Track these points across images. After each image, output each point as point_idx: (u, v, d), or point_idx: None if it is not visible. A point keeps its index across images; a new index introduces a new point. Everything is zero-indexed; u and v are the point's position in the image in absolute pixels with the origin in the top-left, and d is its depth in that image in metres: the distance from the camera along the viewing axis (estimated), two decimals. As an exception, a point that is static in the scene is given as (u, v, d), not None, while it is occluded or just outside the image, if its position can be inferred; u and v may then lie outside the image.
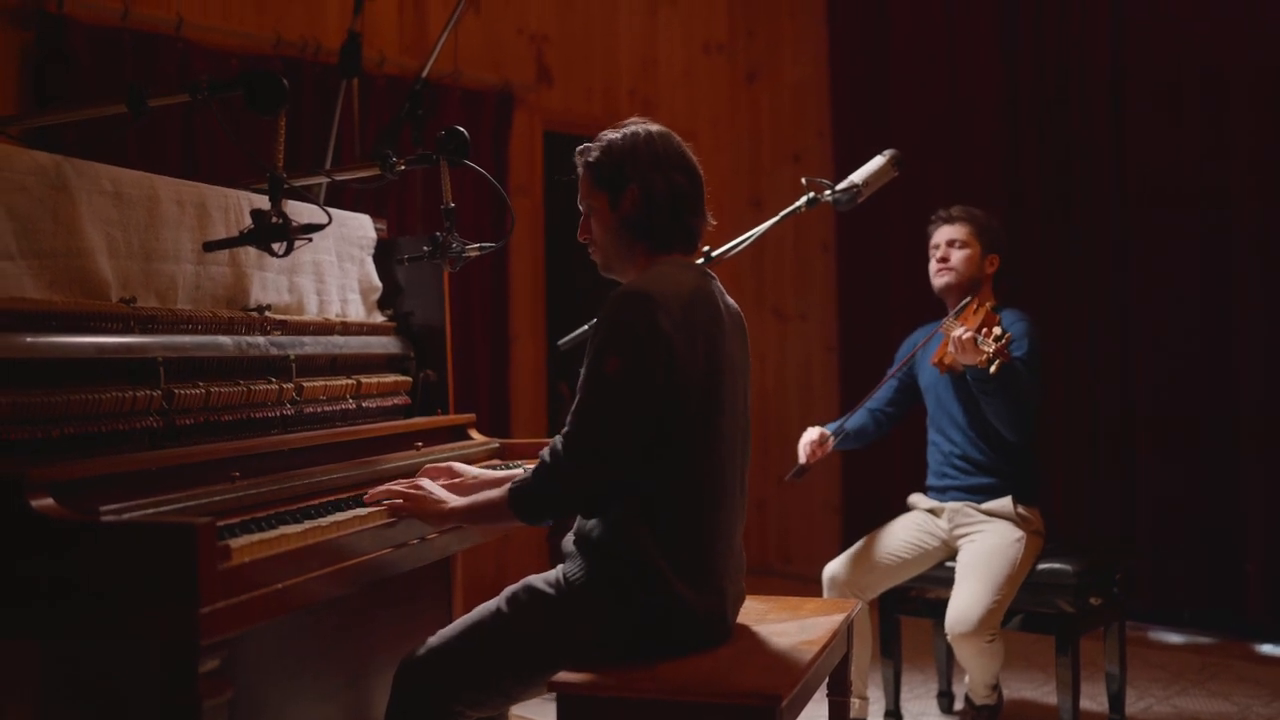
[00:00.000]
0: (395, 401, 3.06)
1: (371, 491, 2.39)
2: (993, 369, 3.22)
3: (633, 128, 2.40)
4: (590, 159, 2.40)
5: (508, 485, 2.29)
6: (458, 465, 2.60)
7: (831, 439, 3.66)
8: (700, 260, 3.09)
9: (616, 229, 2.39)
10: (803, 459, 3.64)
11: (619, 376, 2.17)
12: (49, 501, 1.79)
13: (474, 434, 3.18)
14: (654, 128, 2.40)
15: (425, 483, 2.44)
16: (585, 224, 2.45)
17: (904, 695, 3.85)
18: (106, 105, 2.38)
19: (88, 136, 3.48)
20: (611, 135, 2.40)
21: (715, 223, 2.49)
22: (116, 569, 1.75)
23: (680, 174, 2.37)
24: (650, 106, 5.95)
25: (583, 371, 2.23)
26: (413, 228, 4.63)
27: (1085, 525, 5.04)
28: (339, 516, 2.22)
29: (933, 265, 3.72)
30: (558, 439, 2.23)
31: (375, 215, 3.22)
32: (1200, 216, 4.84)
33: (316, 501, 2.33)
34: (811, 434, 3.66)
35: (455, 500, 2.38)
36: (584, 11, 5.67)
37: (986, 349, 3.23)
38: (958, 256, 3.67)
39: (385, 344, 3.08)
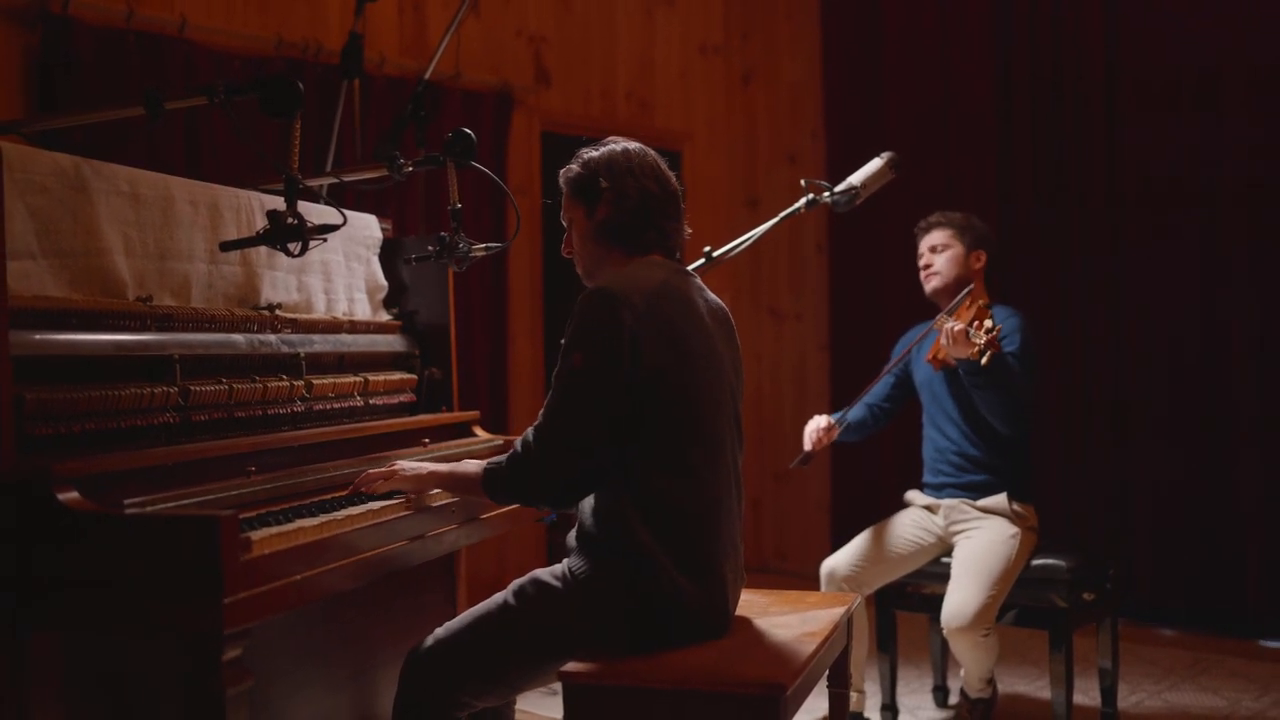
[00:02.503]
0: (401, 399, 3.10)
1: (355, 481, 2.47)
2: (984, 360, 3.28)
3: (610, 145, 2.49)
4: (569, 176, 2.50)
5: (485, 463, 2.39)
6: (469, 462, 2.66)
7: (837, 428, 3.71)
8: (701, 261, 3.14)
9: (593, 236, 2.47)
10: (808, 446, 3.68)
11: (584, 371, 2.26)
12: (74, 495, 1.84)
13: (478, 431, 3.23)
14: (631, 144, 2.49)
15: (402, 462, 2.54)
16: (568, 239, 2.54)
17: (900, 689, 3.91)
18: (123, 107, 2.42)
19: (92, 138, 3.52)
20: (589, 152, 2.49)
21: (691, 230, 2.56)
22: (141, 560, 1.80)
23: (652, 183, 2.44)
24: (647, 108, 6.00)
25: (555, 370, 2.31)
26: (414, 227, 4.67)
27: (1080, 522, 5.10)
28: (352, 510, 2.27)
29: (921, 275, 3.80)
30: (530, 430, 2.31)
31: (378, 215, 3.27)
32: (1193, 213, 4.90)
33: (329, 496, 2.39)
34: (819, 421, 3.71)
35: (434, 465, 2.49)
36: (582, 14, 5.72)
37: (978, 341, 3.29)
38: (940, 260, 3.75)
39: (391, 342, 3.13)
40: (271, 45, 4.37)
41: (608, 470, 2.30)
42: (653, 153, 2.50)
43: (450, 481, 2.46)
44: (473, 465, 2.44)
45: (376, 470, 2.49)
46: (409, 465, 2.50)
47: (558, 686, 2.25)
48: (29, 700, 1.88)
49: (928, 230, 3.81)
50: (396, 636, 2.97)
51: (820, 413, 3.81)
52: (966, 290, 3.58)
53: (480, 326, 5.08)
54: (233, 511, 1.83)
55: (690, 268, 2.69)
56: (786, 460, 6.23)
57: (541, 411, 2.31)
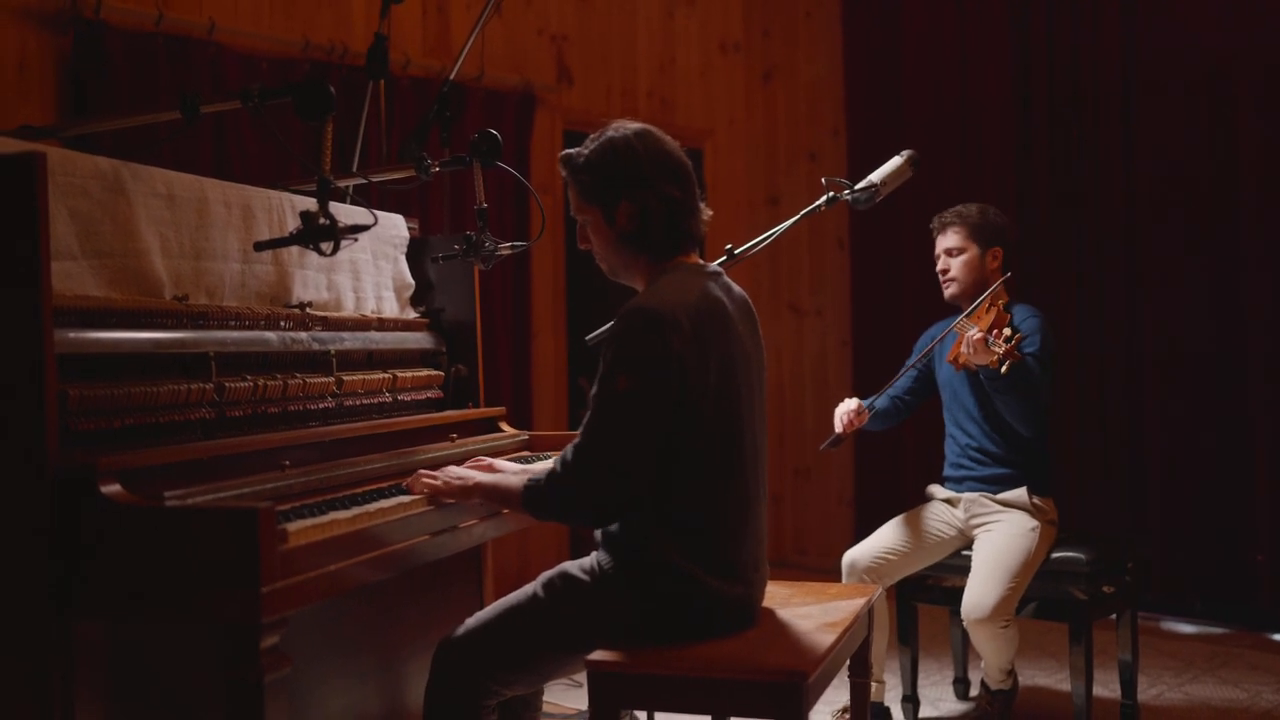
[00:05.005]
0: (428, 395, 3.16)
1: (408, 480, 2.52)
2: (1003, 369, 3.31)
3: (611, 134, 2.42)
4: (576, 174, 2.44)
5: (525, 479, 2.39)
6: (497, 462, 2.72)
7: (867, 412, 3.74)
8: (723, 259, 3.17)
9: (616, 244, 2.45)
10: (839, 428, 3.70)
11: (628, 395, 2.25)
12: (117, 488, 1.90)
13: (504, 426, 3.28)
14: (632, 130, 2.42)
15: (451, 468, 2.57)
16: (583, 233, 2.51)
17: (920, 681, 3.94)
18: (160, 111, 2.48)
19: (121, 141, 3.58)
20: (593, 147, 2.42)
21: (711, 212, 2.51)
22: (182, 551, 1.86)
23: (669, 183, 2.39)
24: (668, 106, 6.05)
25: (594, 385, 2.30)
26: (438, 227, 4.73)
27: (1097, 516, 5.12)
28: (384, 504, 2.32)
29: (940, 278, 3.83)
30: (570, 449, 2.31)
31: (403, 215, 3.32)
32: (1210, 211, 4.92)
33: (361, 490, 2.44)
34: (850, 404, 3.72)
35: (480, 476, 2.51)
36: (603, 13, 5.77)
37: (997, 350, 3.31)
38: (956, 264, 3.76)
39: (419, 339, 3.19)
40: (298, 48, 4.43)
41: (647, 491, 2.31)
42: (658, 136, 2.42)
43: (494, 493, 2.48)
44: (515, 480, 2.43)
45: (428, 474, 2.52)
46: (456, 472, 2.52)
47: (581, 678, 2.29)
48: (74, 686, 1.94)
49: (942, 230, 3.80)
50: (425, 628, 3.03)
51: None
52: (987, 293, 3.60)
53: (503, 324, 5.14)
54: (270, 504, 1.89)
55: (713, 265, 2.71)
56: (807, 455, 6.29)
57: (581, 430, 2.30)
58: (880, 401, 3.84)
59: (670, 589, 2.32)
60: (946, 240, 3.78)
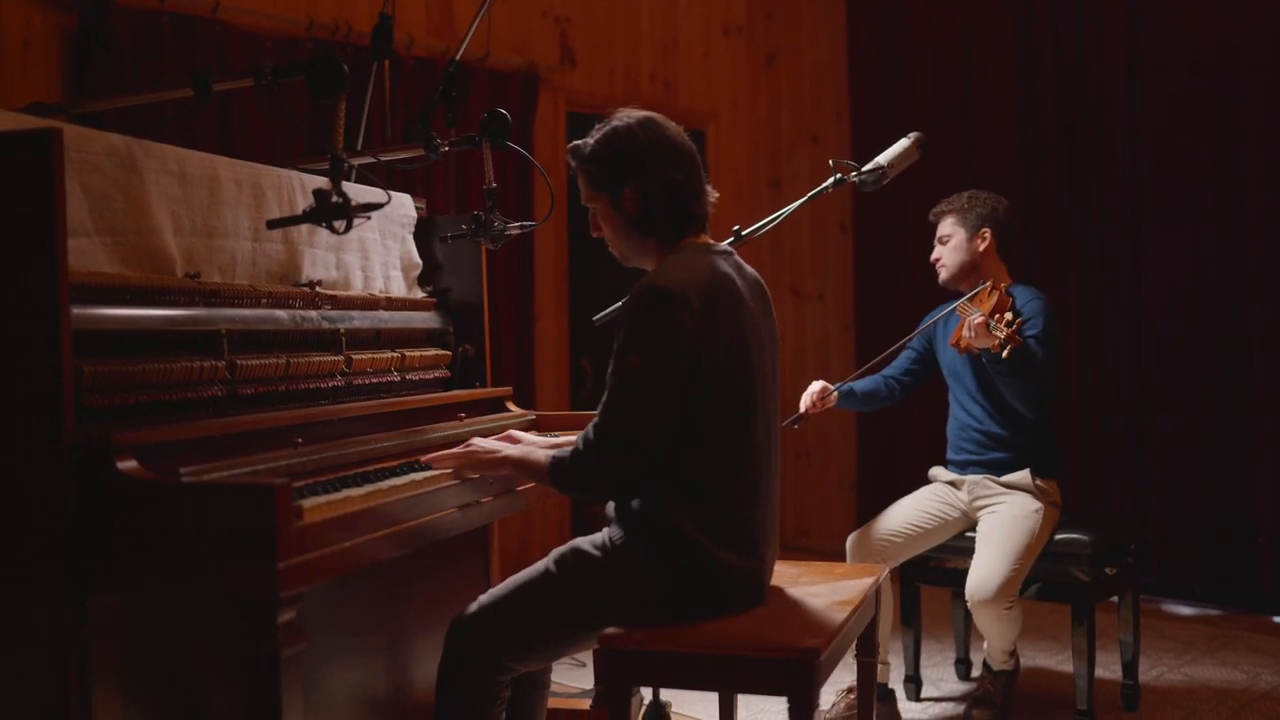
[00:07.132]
0: (436, 374, 3.16)
1: (432, 456, 2.53)
2: (1005, 353, 3.32)
3: (615, 123, 2.47)
4: (583, 164, 2.50)
5: (551, 454, 2.43)
6: (515, 433, 2.73)
7: (835, 395, 3.76)
8: (730, 240, 3.18)
9: (624, 229, 2.50)
10: (803, 408, 3.73)
11: (642, 372, 2.30)
12: (133, 464, 1.90)
13: (511, 406, 3.28)
14: (636, 119, 2.46)
15: (477, 440, 2.59)
16: (594, 221, 2.57)
17: (923, 662, 3.97)
18: (172, 89, 2.48)
19: (127, 119, 3.58)
20: (597, 136, 2.48)
21: (718, 194, 2.56)
22: (198, 527, 1.86)
23: (671, 167, 2.44)
24: (670, 88, 6.04)
25: (610, 365, 2.35)
26: (443, 207, 4.73)
27: (1099, 498, 5.14)
28: (397, 481, 2.33)
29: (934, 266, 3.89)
30: (591, 427, 2.36)
31: (409, 195, 3.32)
32: (1213, 194, 4.93)
33: (373, 467, 2.44)
34: (815, 386, 3.77)
35: (508, 449, 2.54)
36: (606, -6, 5.77)
37: (998, 334, 3.33)
38: (945, 251, 3.83)
39: (426, 319, 3.19)
40: (302, 26, 4.43)
41: (662, 463, 2.35)
42: (660, 122, 2.47)
43: (521, 466, 2.50)
44: (540, 454, 2.48)
45: (451, 451, 2.54)
46: (485, 444, 2.55)
47: (585, 657, 2.31)
48: (89, 660, 1.94)
49: (936, 221, 3.89)
50: (432, 606, 3.03)
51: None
52: (988, 284, 3.61)
53: (507, 304, 5.14)
54: (286, 480, 1.89)
55: (723, 244, 2.72)
56: (807, 439, 6.30)
57: (600, 409, 2.35)
58: (866, 382, 3.88)
59: (683, 563, 2.34)
60: (940, 229, 3.87)
